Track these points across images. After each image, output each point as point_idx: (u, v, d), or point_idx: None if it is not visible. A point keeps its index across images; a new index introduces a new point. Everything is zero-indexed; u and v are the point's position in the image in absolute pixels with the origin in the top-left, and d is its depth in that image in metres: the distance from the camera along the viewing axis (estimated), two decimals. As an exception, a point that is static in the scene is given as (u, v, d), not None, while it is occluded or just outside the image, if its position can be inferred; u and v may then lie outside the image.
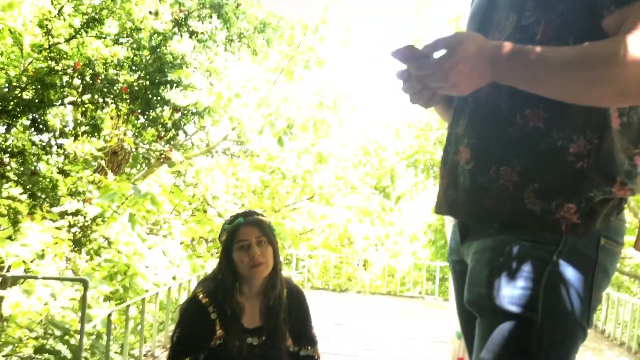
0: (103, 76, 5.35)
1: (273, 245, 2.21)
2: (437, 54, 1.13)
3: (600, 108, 1.13)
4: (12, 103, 5.10)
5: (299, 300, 2.33)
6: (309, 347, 2.33)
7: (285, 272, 11.76)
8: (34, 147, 5.79)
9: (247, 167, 11.99)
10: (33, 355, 5.50)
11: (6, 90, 5.02)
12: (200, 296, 2.16)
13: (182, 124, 6.05)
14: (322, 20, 11.30)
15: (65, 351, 5.18)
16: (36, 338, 5.51)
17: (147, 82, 5.46)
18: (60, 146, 6.59)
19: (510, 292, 1.14)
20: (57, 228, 6.57)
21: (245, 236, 2.16)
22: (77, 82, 5.42)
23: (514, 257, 1.17)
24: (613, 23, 1.08)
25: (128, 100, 5.48)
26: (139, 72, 5.51)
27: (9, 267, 5.87)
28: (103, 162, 9.41)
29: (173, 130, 6.00)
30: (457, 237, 1.37)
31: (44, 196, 5.64)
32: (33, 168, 5.61)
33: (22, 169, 5.49)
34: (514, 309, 1.14)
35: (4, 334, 6.43)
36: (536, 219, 1.16)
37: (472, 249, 1.29)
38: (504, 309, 1.15)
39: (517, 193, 1.17)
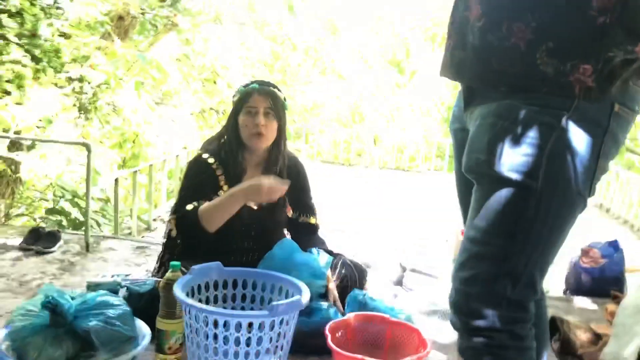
0: None
1: (280, 120, 2.18)
2: None
3: None
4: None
5: (297, 170, 2.34)
6: (307, 215, 2.35)
7: (296, 145, 11.77)
8: (32, 7, 5.55)
9: (257, 38, 11.56)
10: (45, 215, 5.68)
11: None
12: (205, 155, 2.18)
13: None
14: None
15: (76, 213, 5.33)
16: (48, 200, 5.65)
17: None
18: (59, 7, 6.31)
19: (512, 159, 1.08)
20: (65, 95, 6.49)
21: (255, 103, 2.14)
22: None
23: (519, 122, 1.09)
24: None
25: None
26: None
27: (20, 132, 5.88)
28: (109, 28, 9.09)
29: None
30: (461, 103, 1.28)
31: (46, 60, 5.49)
32: (34, 30, 5.42)
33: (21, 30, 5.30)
34: (513, 175, 1.08)
35: (19, 196, 6.61)
36: (547, 81, 1.07)
37: (475, 115, 1.20)
38: (503, 176, 1.09)
39: (530, 52, 1.07)
